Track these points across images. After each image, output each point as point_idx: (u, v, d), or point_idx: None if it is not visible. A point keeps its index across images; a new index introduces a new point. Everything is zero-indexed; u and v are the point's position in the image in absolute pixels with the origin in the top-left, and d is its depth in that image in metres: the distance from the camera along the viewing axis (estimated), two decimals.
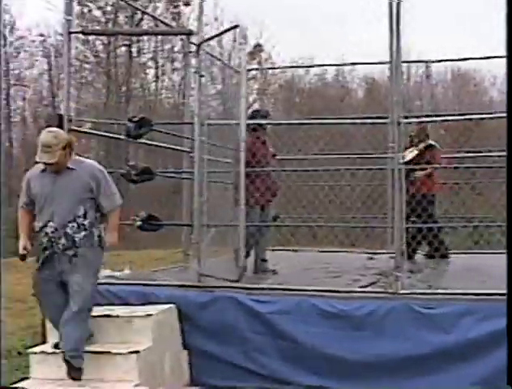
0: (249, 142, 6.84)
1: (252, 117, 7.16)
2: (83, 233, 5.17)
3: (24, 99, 28.84)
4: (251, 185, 6.86)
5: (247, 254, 6.95)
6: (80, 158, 5.38)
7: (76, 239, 5.14)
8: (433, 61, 10.15)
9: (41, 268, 5.24)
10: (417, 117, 7.65)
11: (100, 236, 5.27)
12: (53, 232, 5.17)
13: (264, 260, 7.50)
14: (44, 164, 5.16)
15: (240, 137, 6.32)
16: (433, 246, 8.47)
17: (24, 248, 5.27)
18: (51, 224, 5.17)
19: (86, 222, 5.18)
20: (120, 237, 5.48)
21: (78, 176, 5.20)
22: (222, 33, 6.73)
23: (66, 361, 5.04)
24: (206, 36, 6.93)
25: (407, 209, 8.08)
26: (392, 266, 5.85)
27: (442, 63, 11.52)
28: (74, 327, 5.07)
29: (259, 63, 23.70)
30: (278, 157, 9.67)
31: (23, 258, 5.27)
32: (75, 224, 5.15)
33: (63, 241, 5.15)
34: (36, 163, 5.27)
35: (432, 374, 5.52)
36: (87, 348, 5.23)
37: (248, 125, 6.85)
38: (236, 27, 6.54)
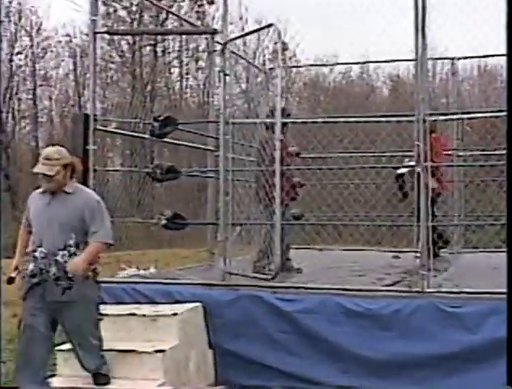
0: (266, 140, 6.82)
1: (272, 112, 7.09)
2: None
3: (51, 99, 29.09)
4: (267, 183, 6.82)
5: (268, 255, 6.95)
6: (80, 185, 5.17)
7: (67, 268, 4.82)
8: (459, 58, 10.07)
9: (28, 297, 4.92)
10: (443, 114, 7.59)
11: (94, 269, 4.99)
12: (42, 257, 4.87)
13: (288, 259, 7.48)
14: (42, 175, 4.87)
15: (276, 136, 6.29)
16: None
17: (16, 267, 5.00)
18: (41, 249, 4.89)
19: (78, 253, 4.87)
20: (145, 236, 5.47)
21: (73, 202, 4.93)
22: (254, 32, 6.73)
23: (93, 375, 5.06)
24: (233, 35, 6.94)
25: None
26: (417, 264, 5.82)
27: (468, 60, 11.41)
28: (90, 358, 5.01)
29: (284, 61, 23.69)
30: (302, 155, 9.67)
31: (10, 281, 4.95)
32: (66, 253, 4.86)
33: (54, 269, 4.84)
34: (36, 174, 4.95)
35: (460, 373, 5.47)
36: (114, 347, 5.26)
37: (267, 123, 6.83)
38: (270, 26, 6.54)
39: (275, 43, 6.50)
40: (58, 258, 4.85)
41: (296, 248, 9.65)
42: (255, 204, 7.06)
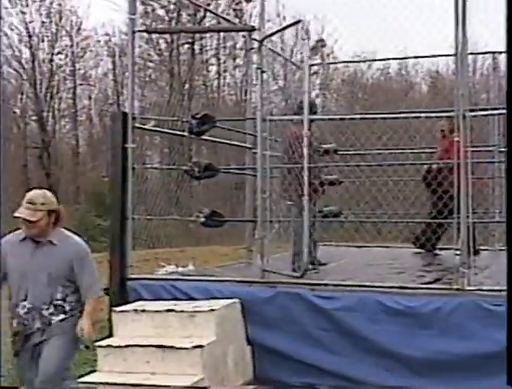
0: (289, 134, 6.79)
1: (300, 107, 7.01)
2: (61, 316, 4.70)
3: (90, 98, 29.44)
4: (294, 179, 6.80)
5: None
6: (66, 232, 4.79)
7: (53, 321, 4.65)
8: (501, 53, 9.92)
9: (19, 355, 4.70)
10: (483, 109, 7.49)
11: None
12: (26, 312, 4.62)
13: (315, 257, 7.42)
14: (23, 220, 4.53)
15: (304, 132, 6.28)
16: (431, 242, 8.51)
17: None
18: (25, 303, 4.61)
19: (66, 305, 4.70)
20: (183, 233, 5.49)
21: (61, 253, 4.62)
22: (284, 28, 6.73)
23: None
24: (268, 32, 6.93)
25: (430, 204, 8.07)
26: (458, 262, 5.75)
27: None
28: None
29: (322, 58, 23.60)
30: (340, 152, 9.63)
31: None
32: (52, 307, 4.65)
33: (38, 323, 4.64)
34: (16, 218, 4.57)
35: (501, 373, 5.38)
36: (153, 343, 5.31)
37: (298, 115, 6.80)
38: (298, 22, 6.53)
39: (303, 39, 6.46)
40: (44, 312, 4.65)
41: (336, 245, 9.63)
42: (283, 201, 7.06)
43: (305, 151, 6.27)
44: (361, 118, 7.96)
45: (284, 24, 7.40)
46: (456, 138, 8.61)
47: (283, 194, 7.11)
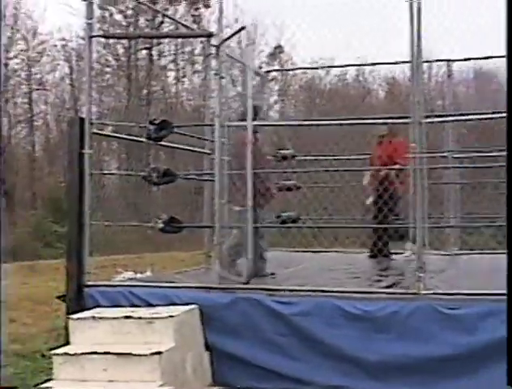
0: (237, 139, 6.81)
1: (244, 113, 7.01)
2: None
3: (46, 103, 29.08)
4: (243, 185, 6.84)
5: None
6: None
7: None
8: (455, 60, 10.09)
9: None
10: (438, 116, 7.61)
11: None
12: None
13: (263, 263, 7.42)
14: None
15: (247, 139, 6.32)
16: (377, 247, 8.57)
17: None
18: None
19: None
20: (142, 239, 5.48)
21: None
22: (231, 36, 6.72)
23: None
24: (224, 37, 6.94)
25: (375, 209, 8.27)
26: (414, 266, 5.82)
27: (464, 62, 11.44)
28: None
29: (280, 64, 23.72)
30: (298, 158, 9.69)
31: None
32: None
33: None
34: None
35: (458, 376, 5.47)
36: (110, 350, 5.26)
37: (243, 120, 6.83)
38: (242, 28, 6.54)
39: (247, 45, 6.44)
40: None
41: (294, 251, 9.68)
42: (231, 206, 7.09)
43: (249, 156, 6.30)
44: (318, 124, 8.02)
45: (245, 30, 7.40)
46: (401, 143, 8.84)
47: (232, 200, 7.14)
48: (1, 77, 23.41)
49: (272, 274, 7.37)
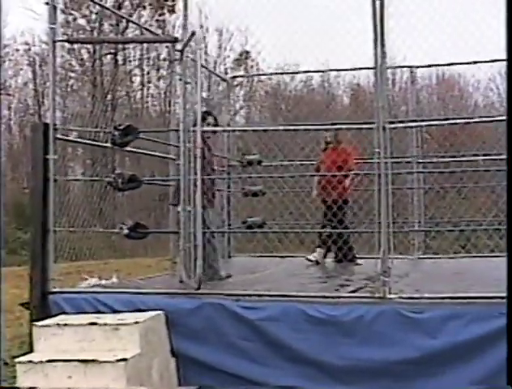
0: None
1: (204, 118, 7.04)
2: None
3: (9, 108, 28.74)
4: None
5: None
6: None
7: None
8: (418, 67, 10.21)
9: None
10: (402, 121, 7.69)
11: None
12: None
13: (213, 267, 7.37)
14: None
15: (195, 143, 6.35)
16: (343, 251, 8.73)
17: None
18: None
19: None
20: (107, 245, 5.44)
21: None
22: (187, 42, 6.70)
23: None
24: (193, 44, 6.94)
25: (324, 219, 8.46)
26: (379, 270, 5.86)
27: (427, 68, 11.58)
28: None
29: (246, 70, 23.77)
30: (264, 164, 9.72)
31: None
32: None
33: None
34: None
35: (421, 379, 5.52)
36: (75, 357, 5.21)
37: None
38: (193, 34, 6.53)
39: (199, 49, 6.41)
40: None
41: (259, 256, 9.69)
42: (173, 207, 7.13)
43: (198, 162, 6.34)
44: (284, 129, 8.05)
45: (207, 36, 7.40)
46: (348, 149, 9.02)
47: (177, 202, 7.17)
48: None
49: (229, 276, 7.34)
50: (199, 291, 6.28)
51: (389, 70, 7.52)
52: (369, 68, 8.64)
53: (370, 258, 7.52)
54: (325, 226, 8.58)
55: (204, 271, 6.55)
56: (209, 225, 7.00)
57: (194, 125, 6.80)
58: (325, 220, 8.76)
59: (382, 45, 5.85)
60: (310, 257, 9.10)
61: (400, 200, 9.26)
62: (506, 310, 3.74)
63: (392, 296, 5.80)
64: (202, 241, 6.38)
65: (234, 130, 9.73)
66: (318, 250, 9.10)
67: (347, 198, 8.86)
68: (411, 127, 8.74)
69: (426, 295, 5.80)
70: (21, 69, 28.16)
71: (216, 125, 7.55)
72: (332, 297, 6.01)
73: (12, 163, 28.44)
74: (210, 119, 7.32)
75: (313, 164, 9.68)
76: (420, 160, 9.78)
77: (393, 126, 6.28)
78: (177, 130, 6.49)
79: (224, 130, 9.03)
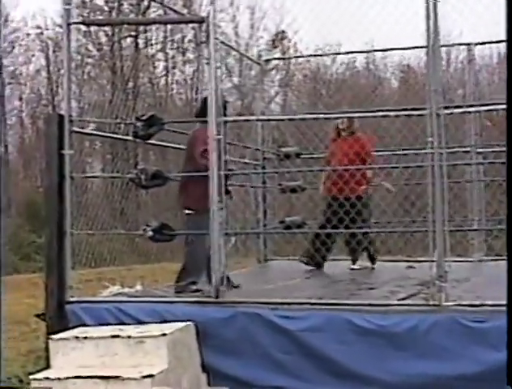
0: (202, 135, 6.80)
1: (202, 107, 6.95)
2: None
3: (21, 99, 29.06)
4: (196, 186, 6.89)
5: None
6: None
7: None
8: (476, 44, 10.10)
9: None
10: (459, 107, 7.62)
11: None
12: None
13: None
14: None
15: (211, 135, 6.35)
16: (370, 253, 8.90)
17: None
18: None
19: None
20: (130, 249, 5.46)
21: None
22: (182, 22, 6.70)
23: None
24: (223, 24, 6.96)
25: (329, 213, 8.33)
26: (434, 275, 5.83)
27: (487, 45, 11.45)
28: None
29: (282, 52, 23.75)
30: (303, 156, 9.70)
31: None
32: None
33: None
34: None
35: None
36: (96, 373, 5.27)
37: (201, 116, 6.83)
38: (202, 21, 6.52)
39: (207, 37, 6.36)
40: None
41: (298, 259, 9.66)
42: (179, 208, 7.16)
43: (214, 156, 6.33)
44: (325, 117, 8.03)
45: (238, 15, 7.41)
46: (363, 138, 8.88)
47: (182, 202, 7.19)
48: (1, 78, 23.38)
49: (236, 286, 7.20)
50: (232, 299, 6.31)
51: (443, 49, 7.45)
52: (420, 47, 8.58)
53: (424, 261, 7.48)
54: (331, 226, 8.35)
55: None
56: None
57: (199, 114, 6.85)
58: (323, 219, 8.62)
59: (435, 20, 5.81)
60: (355, 266, 9.06)
61: (458, 195, 9.17)
62: (506, 310, 3.73)
63: (449, 303, 5.76)
64: (219, 245, 6.38)
65: (269, 120, 9.73)
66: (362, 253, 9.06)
67: (362, 195, 8.66)
68: (469, 113, 8.64)
69: (488, 302, 5.75)
70: (33, 55, 28.48)
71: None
72: (381, 305, 5.99)
73: (24, 159, 28.81)
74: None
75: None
76: (480, 150, 9.67)
77: (448, 111, 6.22)
78: (206, 121, 6.51)
79: (257, 120, 9.03)
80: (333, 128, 9.24)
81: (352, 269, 8.99)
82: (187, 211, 7.15)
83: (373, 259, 9.11)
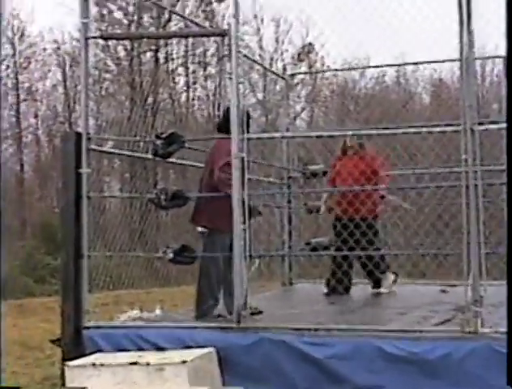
0: (224, 146, 6.78)
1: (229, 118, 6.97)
2: None
3: (37, 116, 29.28)
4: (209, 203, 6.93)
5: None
6: None
7: None
8: None
9: None
10: (494, 122, 7.59)
11: None
12: None
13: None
14: None
15: (233, 151, 6.36)
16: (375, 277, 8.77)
17: None
18: None
19: None
20: (149, 272, 5.47)
21: None
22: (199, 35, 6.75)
23: None
24: (247, 38, 7.00)
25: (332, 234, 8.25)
26: (469, 300, 5.78)
27: None
28: None
29: (308, 66, 23.82)
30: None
31: None
32: None
33: None
34: None
35: None
36: None
37: (223, 128, 6.85)
38: (224, 34, 6.55)
39: (229, 50, 6.38)
40: None
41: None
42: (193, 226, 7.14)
43: (236, 174, 6.35)
44: (353, 135, 8.02)
45: (262, 28, 7.45)
46: (372, 155, 8.78)
47: (196, 218, 7.17)
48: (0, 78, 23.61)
49: (260, 312, 6.96)
50: (255, 324, 6.30)
51: (477, 62, 7.44)
52: (453, 60, 8.57)
53: (458, 285, 7.43)
54: (339, 248, 8.23)
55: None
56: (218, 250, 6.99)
57: (220, 128, 6.87)
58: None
59: (469, 32, 5.80)
60: (382, 290, 9.00)
61: (494, 215, 9.10)
62: (506, 311, 3.70)
63: (486, 330, 5.71)
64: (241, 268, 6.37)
65: (294, 137, 9.74)
66: (388, 276, 8.98)
67: (367, 216, 8.35)
68: (506, 129, 8.59)
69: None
70: (49, 70, 28.72)
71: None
72: (413, 331, 5.95)
73: (40, 178, 29.00)
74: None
75: (388, 174, 9.61)
76: None
77: (483, 127, 6.21)
78: (229, 138, 6.53)
79: (282, 137, 9.04)
80: (339, 145, 9.19)
81: (378, 293, 8.93)
82: (200, 229, 7.13)
83: (377, 283, 8.99)
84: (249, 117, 7.13)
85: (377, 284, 8.93)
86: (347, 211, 8.02)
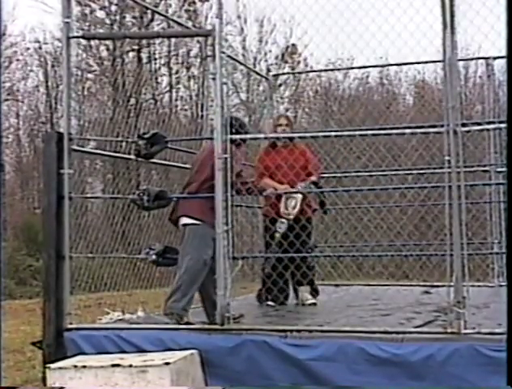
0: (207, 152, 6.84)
1: (231, 125, 6.92)
2: None
3: (18, 116, 29.18)
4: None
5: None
6: None
7: None
8: (496, 58, 10.11)
9: None
10: (478, 123, 7.63)
11: None
12: None
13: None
14: None
15: (216, 152, 6.37)
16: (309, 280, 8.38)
17: None
18: None
19: None
20: (131, 274, 5.46)
21: None
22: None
23: None
24: (230, 38, 7.01)
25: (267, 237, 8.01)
26: (452, 301, 5.81)
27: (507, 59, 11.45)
28: None
29: (292, 67, 23.84)
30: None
31: None
32: None
33: None
34: None
35: None
36: None
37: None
38: (209, 35, 6.57)
39: (213, 51, 6.38)
40: None
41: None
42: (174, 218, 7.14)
43: (219, 175, 6.35)
44: (336, 135, 8.03)
45: (245, 28, 7.45)
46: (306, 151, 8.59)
47: (181, 210, 7.14)
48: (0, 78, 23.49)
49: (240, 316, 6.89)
50: (238, 326, 6.30)
51: (461, 63, 7.47)
52: (436, 61, 8.61)
53: (441, 286, 7.46)
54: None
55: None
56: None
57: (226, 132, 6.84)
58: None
59: (452, 33, 5.83)
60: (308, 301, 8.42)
61: (476, 217, 9.16)
62: (507, 311, 3.73)
63: (468, 331, 5.74)
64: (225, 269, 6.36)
65: (278, 138, 9.74)
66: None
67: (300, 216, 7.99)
68: (489, 130, 8.64)
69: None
70: (31, 70, 28.62)
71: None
72: (397, 333, 5.97)
73: (21, 179, 28.88)
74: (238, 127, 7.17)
75: (371, 175, 9.64)
76: (500, 169, 9.66)
77: (466, 129, 6.24)
78: (211, 139, 6.53)
79: (265, 137, 9.05)
80: (270, 128, 8.82)
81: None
82: (188, 221, 7.04)
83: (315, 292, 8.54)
84: (242, 122, 7.17)
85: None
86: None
